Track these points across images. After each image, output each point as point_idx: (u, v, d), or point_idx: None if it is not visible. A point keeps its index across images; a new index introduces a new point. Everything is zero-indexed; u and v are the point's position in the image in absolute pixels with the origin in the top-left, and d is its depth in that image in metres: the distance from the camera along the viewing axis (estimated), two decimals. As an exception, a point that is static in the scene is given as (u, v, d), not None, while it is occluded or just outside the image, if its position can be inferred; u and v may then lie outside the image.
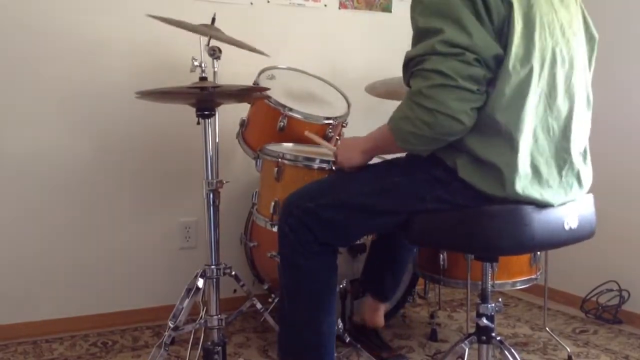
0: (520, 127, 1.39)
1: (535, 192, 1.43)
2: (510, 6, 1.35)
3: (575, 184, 1.53)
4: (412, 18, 1.42)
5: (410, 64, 1.40)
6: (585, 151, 1.58)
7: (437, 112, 1.33)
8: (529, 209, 1.44)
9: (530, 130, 1.41)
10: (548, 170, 1.46)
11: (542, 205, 1.45)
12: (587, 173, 1.57)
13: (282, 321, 1.74)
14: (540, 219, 1.45)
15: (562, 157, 1.48)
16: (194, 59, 2.03)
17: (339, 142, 1.77)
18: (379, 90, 2.69)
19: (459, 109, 1.33)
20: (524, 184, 1.41)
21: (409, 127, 1.40)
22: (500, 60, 1.35)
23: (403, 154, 1.64)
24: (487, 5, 1.34)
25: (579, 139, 1.54)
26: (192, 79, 2.02)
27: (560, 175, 1.49)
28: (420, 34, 1.39)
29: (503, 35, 1.36)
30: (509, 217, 1.44)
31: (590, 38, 1.59)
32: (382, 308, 2.22)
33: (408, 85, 1.43)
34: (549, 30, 1.41)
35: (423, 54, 1.35)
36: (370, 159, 1.67)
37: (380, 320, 2.22)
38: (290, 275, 1.67)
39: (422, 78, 1.35)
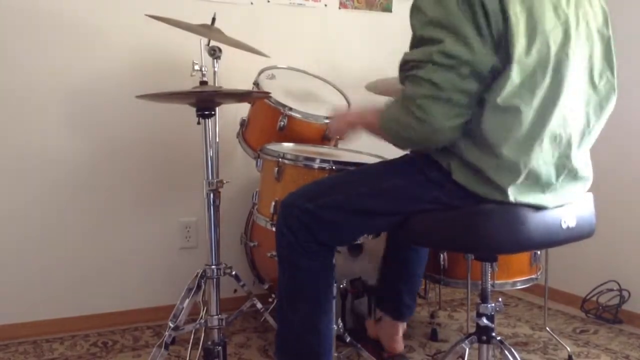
0: (512, 139, 1.38)
1: (530, 198, 1.43)
2: (506, 19, 1.32)
3: (575, 188, 1.53)
4: (412, 25, 1.42)
5: (407, 66, 1.41)
6: (586, 153, 1.57)
7: (424, 122, 1.37)
8: (525, 207, 1.44)
9: (527, 140, 1.40)
10: (547, 176, 1.45)
11: (538, 208, 1.45)
12: (587, 177, 1.56)
13: (280, 321, 1.74)
14: (537, 218, 1.45)
15: (563, 163, 1.47)
16: (194, 62, 2.03)
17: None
18: (379, 88, 2.69)
19: (444, 125, 1.36)
20: (517, 191, 1.42)
21: (396, 127, 1.46)
22: (496, 71, 1.35)
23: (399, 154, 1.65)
24: (488, 18, 1.32)
25: (585, 145, 1.53)
26: (193, 77, 2.03)
27: (559, 181, 1.48)
28: (419, 41, 1.39)
29: (502, 47, 1.34)
30: (506, 216, 1.44)
31: (602, 37, 1.53)
32: (401, 330, 2.19)
33: (402, 84, 1.44)
34: (552, 38, 1.38)
35: (420, 60, 1.36)
36: (357, 131, 1.75)
37: (399, 345, 2.19)
38: (289, 275, 1.67)
39: (415, 85, 1.37)
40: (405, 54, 1.42)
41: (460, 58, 1.32)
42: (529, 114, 1.38)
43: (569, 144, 1.46)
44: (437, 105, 1.35)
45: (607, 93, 1.55)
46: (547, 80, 1.39)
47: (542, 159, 1.43)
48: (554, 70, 1.39)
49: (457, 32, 1.32)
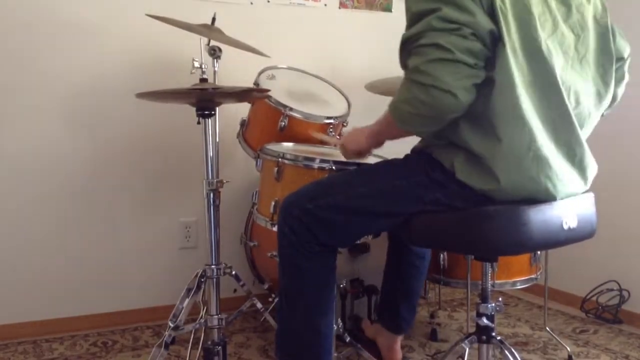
0: (513, 120, 1.38)
1: (535, 185, 1.42)
2: (493, 4, 1.34)
3: (577, 177, 1.51)
4: (407, 7, 1.41)
5: (407, 44, 1.38)
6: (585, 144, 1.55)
7: (432, 87, 1.30)
8: (526, 208, 1.43)
9: (529, 122, 1.39)
10: (549, 162, 1.43)
11: (542, 199, 1.44)
12: (591, 166, 1.55)
13: (280, 320, 1.74)
14: (538, 219, 1.44)
15: (563, 147, 1.46)
16: (194, 60, 2.03)
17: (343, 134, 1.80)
18: (380, 89, 2.69)
19: (455, 85, 1.30)
20: (521, 177, 1.41)
21: (407, 107, 1.38)
22: (495, 37, 1.34)
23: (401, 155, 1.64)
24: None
25: (584, 132, 1.51)
26: (193, 77, 2.02)
27: (562, 167, 1.46)
28: (415, 17, 1.37)
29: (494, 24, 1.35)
30: (507, 217, 1.43)
31: (603, 30, 1.53)
32: (399, 341, 2.18)
33: (404, 67, 1.41)
34: (540, 23, 1.39)
35: (420, 32, 1.34)
36: (376, 145, 1.69)
37: (398, 356, 2.17)
38: (290, 275, 1.67)
39: (419, 54, 1.33)
40: (404, 33, 1.40)
41: (461, 21, 1.30)
42: (526, 95, 1.38)
43: (565, 129, 1.45)
44: (444, 66, 1.29)
45: (606, 83, 1.54)
46: (541, 64, 1.39)
47: (542, 140, 1.41)
48: (547, 55, 1.39)
49: (454, 2, 1.31)
